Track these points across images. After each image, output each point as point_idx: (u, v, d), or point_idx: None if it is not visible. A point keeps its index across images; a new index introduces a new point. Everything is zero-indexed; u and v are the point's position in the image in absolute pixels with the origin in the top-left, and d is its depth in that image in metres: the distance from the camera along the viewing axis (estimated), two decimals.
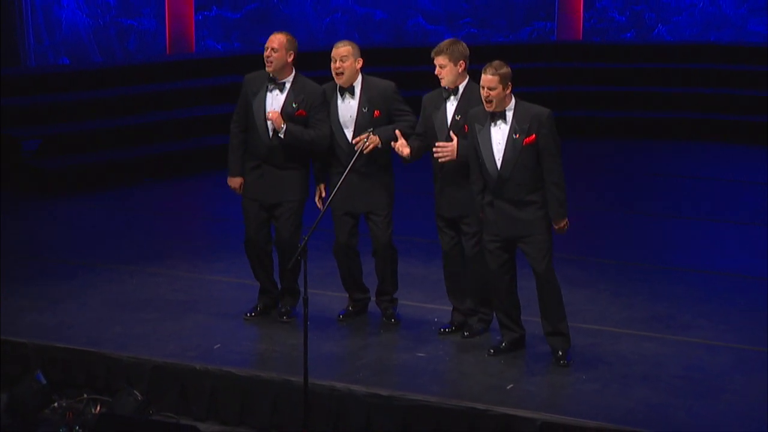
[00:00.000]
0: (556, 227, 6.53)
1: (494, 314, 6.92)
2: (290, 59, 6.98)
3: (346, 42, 6.99)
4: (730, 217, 9.93)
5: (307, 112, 6.97)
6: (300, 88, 6.99)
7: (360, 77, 6.96)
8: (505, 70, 6.38)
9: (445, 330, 7.04)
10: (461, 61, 6.69)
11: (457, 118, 6.71)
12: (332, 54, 6.92)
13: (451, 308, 7.09)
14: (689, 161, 12.23)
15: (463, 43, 6.77)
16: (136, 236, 9.36)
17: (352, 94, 6.95)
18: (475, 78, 6.83)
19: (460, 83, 6.73)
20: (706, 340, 7.03)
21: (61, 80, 12.07)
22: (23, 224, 9.83)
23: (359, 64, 6.94)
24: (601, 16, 14.85)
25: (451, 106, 6.75)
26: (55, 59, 12.88)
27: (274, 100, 7.00)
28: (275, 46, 6.94)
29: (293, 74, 7.02)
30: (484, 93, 6.40)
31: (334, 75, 6.94)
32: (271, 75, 6.98)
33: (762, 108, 13.06)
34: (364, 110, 6.93)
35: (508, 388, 6.30)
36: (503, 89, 6.38)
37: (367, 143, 6.69)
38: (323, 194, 7.09)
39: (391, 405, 6.19)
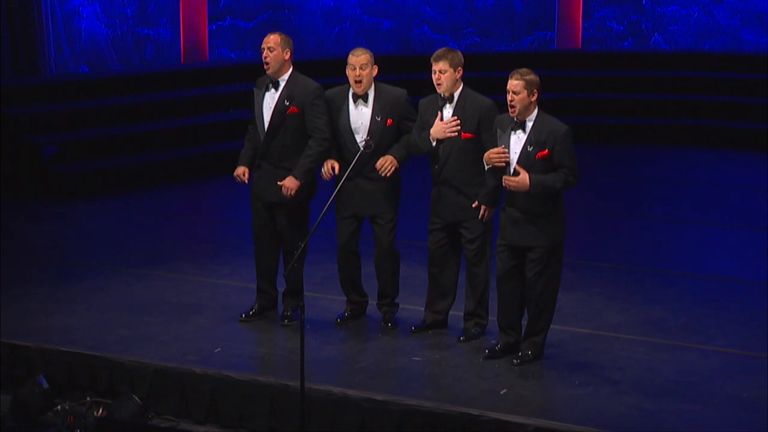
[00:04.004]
0: (513, 180, 6.05)
1: (490, 318, 6.65)
2: (287, 56, 6.69)
3: (363, 50, 6.66)
4: (724, 221, 9.58)
5: (300, 109, 6.67)
6: (293, 86, 6.70)
7: (373, 85, 6.66)
8: (532, 77, 6.10)
9: (415, 328, 6.73)
10: (459, 68, 6.48)
11: None
12: (351, 61, 6.58)
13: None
14: (684, 166, 11.89)
15: (460, 52, 6.56)
16: (146, 239, 9.08)
17: (365, 101, 6.64)
18: (472, 86, 6.59)
19: (456, 90, 6.49)
20: (700, 345, 6.71)
21: (80, 88, 11.81)
22: (40, 227, 9.57)
23: (375, 71, 6.63)
24: (600, 25, 14.53)
25: (447, 114, 6.50)
26: (76, 68, 12.65)
27: (271, 99, 6.74)
28: (271, 45, 6.68)
29: (290, 72, 6.73)
30: (508, 97, 6.14)
31: (352, 82, 6.61)
32: (270, 76, 6.70)
33: (756, 115, 12.71)
34: (378, 119, 6.62)
35: (501, 393, 6.01)
36: (527, 96, 6.10)
37: (389, 167, 6.55)
38: (335, 168, 6.64)
39: (385, 409, 5.91)
